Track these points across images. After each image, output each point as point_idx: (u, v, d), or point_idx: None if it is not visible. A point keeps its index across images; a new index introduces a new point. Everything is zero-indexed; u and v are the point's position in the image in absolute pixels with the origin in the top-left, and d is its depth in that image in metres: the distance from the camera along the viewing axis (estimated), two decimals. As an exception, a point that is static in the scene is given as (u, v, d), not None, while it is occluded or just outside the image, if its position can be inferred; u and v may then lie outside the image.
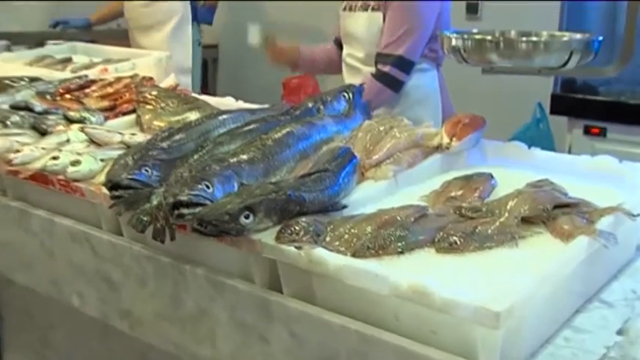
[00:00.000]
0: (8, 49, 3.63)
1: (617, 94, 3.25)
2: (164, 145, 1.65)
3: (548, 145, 3.66)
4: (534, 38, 1.92)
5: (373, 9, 2.96)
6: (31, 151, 1.81)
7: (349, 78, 3.07)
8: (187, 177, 1.42)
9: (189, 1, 4.58)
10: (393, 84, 2.89)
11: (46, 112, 2.18)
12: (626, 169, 1.69)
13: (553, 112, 3.48)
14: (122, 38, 4.67)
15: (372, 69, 2.95)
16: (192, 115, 2.09)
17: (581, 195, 1.50)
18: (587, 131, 3.30)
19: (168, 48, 4.17)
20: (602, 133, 3.25)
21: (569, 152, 3.33)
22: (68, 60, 3.32)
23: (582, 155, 1.81)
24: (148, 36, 4.53)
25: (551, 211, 1.40)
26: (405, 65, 2.88)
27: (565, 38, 1.94)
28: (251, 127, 1.75)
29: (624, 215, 1.39)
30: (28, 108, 2.22)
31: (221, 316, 1.43)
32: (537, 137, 3.70)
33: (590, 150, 3.25)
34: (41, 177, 1.77)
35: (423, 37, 2.90)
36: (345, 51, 3.14)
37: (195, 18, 4.65)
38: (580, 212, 1.41)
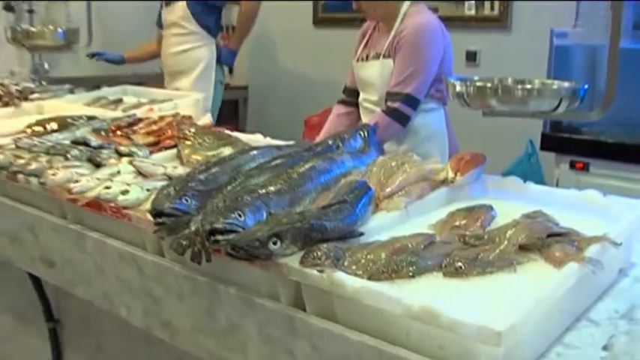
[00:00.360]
0: (71, 91, 3.63)
1: (598, 133, 3.25)
2: (201, 177, 1.63)
3: (538, 177, 3.64)
4: (529, 86, 1.90)
5: (384, 56, 2.95)
6: (88, 182, 1.81)
7: (366, 119, 3.05)
8: (222, 207, 1.40)
9: (215, 48, 4.62)
10: (401, 119, 2.87)
11: (100, 147, 2.18)
12: (610, 203, 1.67)
13: (543, 148, 3.47)
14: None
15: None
16: (226, 150, 2.08)
17: (570, 225, 1.49)
18: (572, 166, 3.29)
19: (192, 90, 4.24)
20: (586, 167, 3.24)
21: (557, 184, 3.32)
22: (119, 101, 3.32)
23: (571, 189, 1.78)
24: (177, 80, 4.59)
25: (545, 240, 1.39)
26: (413, 102, 2.86)
27: (555, 86, 1.92)
28: (278, 161, 1.73)
29: (609, 244, 1.37)
30: (85, 143, 2.22)
31: (251, 330, 1.40)
32: (529, 170, 3.69)
33: (575, 182, 3.25)
34: (95, 204, 1.76)
35: (427, 78, 2.89)
36: (361, 96, 3.13)
37: (219, 59, 4.67)
38: (570, 241, 1.39)
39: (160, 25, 4.73)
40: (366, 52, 3.08)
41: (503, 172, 3.63)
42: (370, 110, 3.05)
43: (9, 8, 4.72)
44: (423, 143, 2.94)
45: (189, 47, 4.59)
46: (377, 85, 2.99)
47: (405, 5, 2.96)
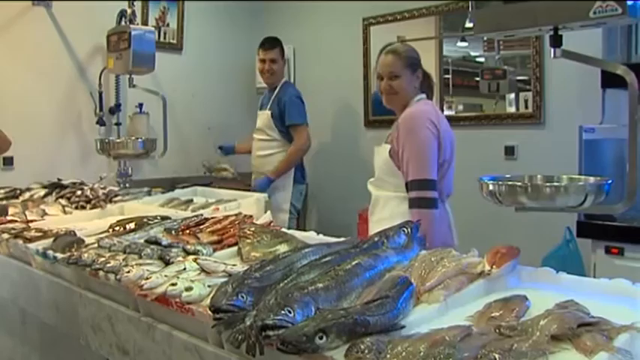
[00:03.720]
0: (148, 193, 3.72)
1: (631, 220, 3.15)
2: (257, 274, 1.63)
3: (577, 262, 3.54)
4: (556, 183, 1.87)
5: (385, 142, 2.89)
6: (157, 278, 1.83)
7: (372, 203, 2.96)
8: (274, 303, 1.40)
9: None
10: (422, 203, 2.66)
11: (170, 246, 2.20)
12: (639, 290, 1.61)
13: (579, 235, 3.38)
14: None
15: (379, 191, 2.87)
16: (282, 247, 2.10)
17: (601, 313, 1.43)
18: (608, 251, 3.19)
19: (274, 190, 4.50)
20: (621, 252, 3.14)
21: (594, 268, 3.21)
22: (190, 201, 3.38)
23: (601, 279, 1.73)
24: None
25: (576, 329, 1.33)
26: (422, 184, 2.67)
27: (581, 183, 1.88)
28: (327, 258, 1.73)
29: (637, 332, 1.32)
30: (157, 242, 2.25)
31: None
32: (568, 255, 3.59)
33: (611, 266, 3.15)
34: (163, 299, 1.77)
35: (425, 158, 2.70)
36: None
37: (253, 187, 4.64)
38: (600, 330, 1.34)
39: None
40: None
41: (544, 258, 3.57)
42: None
43: (101, 123, 4.92)
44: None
45: (271, 152, 4.69)
46: (376, 167, 2.92)
47: (415, 99, 2.89)
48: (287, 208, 4.62)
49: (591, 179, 1.85)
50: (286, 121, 4.63)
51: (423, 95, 2.94)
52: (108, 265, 2.03)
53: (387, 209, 2.81)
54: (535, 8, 1.79)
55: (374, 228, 2.70)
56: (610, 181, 1.79)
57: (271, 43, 4.72)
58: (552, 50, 1.83)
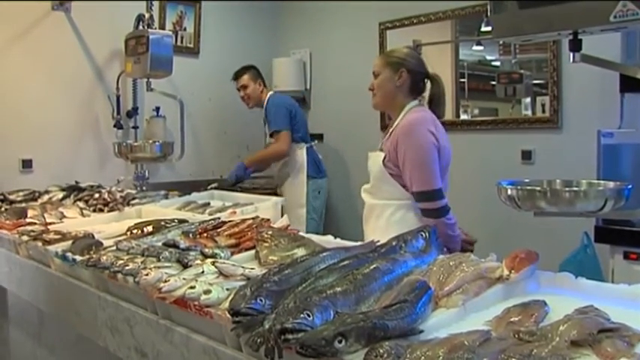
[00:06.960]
0: (165, 196, 3.75)
1: (649, 225, 3.13)
2: (275, 278, 1.63)
3: (595, 267, 3.51)
4: (575, 188, 1.86)
5: (380, 149, 2.84)
6: (175, 281, 1.83)
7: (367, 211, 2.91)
8: (292, 307, 1.40)
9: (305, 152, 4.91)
10: (432, 214, 2.66)
11: (188, 249, 2.21)
12: (657, 296, 1.60)
13: (597, 240, 3.35)
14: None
15: (374, 199, 2.83)
16: (300, 251, 2.10)
17: (621, 319, 1.42)
18: (626, 256, 3.15)
19: (290, 186, 4.85)
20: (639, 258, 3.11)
21: (613, 274, 3.18)
22: (207, 204, 3.40)
23: (620, 284, 1.72)
24: (286, 182, 4.98)
25: (596, 335, 1.32)
26: (428, 195, 2.66)
27: (601, 187, 1.87)
28: (345, 262, 1.73)
29: (658, 339, 1.30)
30: (175, 245, 2.26)
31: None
32: (586, 260, 3.56)
33: (630, 271, 3.11)
34: (181, 302, 1.78)
35: (427, 167, 2.67)
36: None
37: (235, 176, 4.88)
38: (621, 336, 1.33)
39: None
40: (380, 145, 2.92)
41: (561, 263, 3.55)
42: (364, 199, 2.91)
43: (119, 126, 4.96)
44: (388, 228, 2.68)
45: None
46: (370, 173, 2.87)
47: (410, 104, 2.84)
48: (303, 202, 4.80)
49: (611, 184, 1.84)
50: (270, 130, 4.89)
51: (415, 102, 2.87)
52: (126, 267, 2.04)
53: (383, 218, 2.79)
54: (554, 13, 1.78)
55: (368, 236, 2.69)
56: (630, 186, 1.77)
57: (238, 73, 5.03)
58: (572, 55, 1.83)
